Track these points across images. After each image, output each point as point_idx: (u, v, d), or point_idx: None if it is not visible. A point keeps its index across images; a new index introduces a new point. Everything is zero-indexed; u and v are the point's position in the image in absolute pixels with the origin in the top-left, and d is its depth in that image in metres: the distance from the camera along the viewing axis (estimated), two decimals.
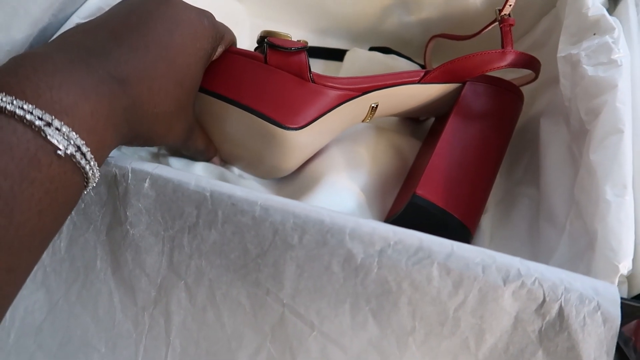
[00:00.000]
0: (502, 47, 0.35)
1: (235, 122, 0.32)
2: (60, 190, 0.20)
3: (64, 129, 0.19)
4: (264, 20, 0.51)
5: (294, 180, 0.36)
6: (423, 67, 0.48)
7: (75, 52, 0.23)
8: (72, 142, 0.20)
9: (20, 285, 0.20)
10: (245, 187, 0.25)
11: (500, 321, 0.22)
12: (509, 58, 0.35)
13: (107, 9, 0.28)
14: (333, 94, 0.32)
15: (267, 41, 0.32)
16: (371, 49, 0.50)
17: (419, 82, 0.35)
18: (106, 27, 0.25)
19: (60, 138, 0.19)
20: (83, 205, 0.26)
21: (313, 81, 0.32)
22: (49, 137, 0.19)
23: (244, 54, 0.32)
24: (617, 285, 0.23)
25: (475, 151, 0.34)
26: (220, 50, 0.31)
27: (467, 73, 0.36)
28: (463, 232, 0.32)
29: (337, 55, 0.50)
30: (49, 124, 0.19)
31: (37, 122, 0.19)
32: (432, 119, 0.42)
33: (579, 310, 0.21)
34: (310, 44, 0.36)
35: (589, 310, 0.21)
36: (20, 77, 0.20)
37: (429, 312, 0.23)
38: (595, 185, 0.27)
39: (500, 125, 0.35)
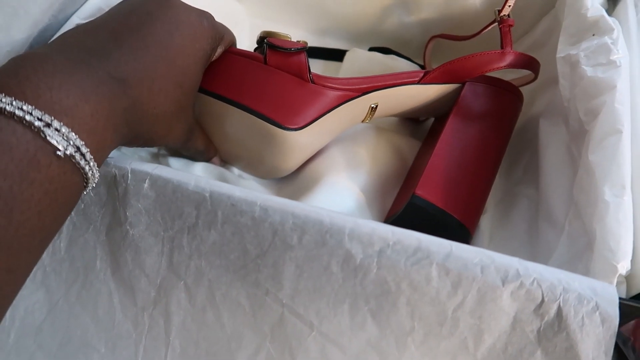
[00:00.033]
0: (502, 47, 0.35)
1: (235, 123, 0.32)
2: (60, 190, 0.20)
3: (64, 129, 0.19)
4: (263, 21, 0.51)
5: (294, 180, 0.37)
6: (423, 67, 0.48)
7: (75, 53, 0.23)
8: (71, 143, 0.20)
9: (20, 286, 0.20)
10: (244, 188, 0.25)
11: (499, 321, 0.22)
12: (509, 58, 0.35)
13: (107, 9, 0.28)
14: (333, 94, 0.32)
15: (266, 42, 0.32)
16: (371, 49, 0.50)
17: (418, 82, 0.35)
18: (106, 28, 0.25)
19: (59, 139, 0.19)
20: (83, 206, 0.26)
21: (313, 82, 0.32)
22: (48, 137, 0.19)
23: (244, 54, 0.32)
24: (616, 286, 0.23)
25: (475, 151, 0.34)
26: (219, 50, 0.31)
27: (466, 73, 0.36)
28: (462, 232, 0.32)
29: (336, 55, 0.50)
30: (48, 125, 0.19)
31: (37, 123, 0.19)
32: (432, 120, 0.42)
33: (578, 311, 0.21)
34: (310, 44, 0.36)
35: (587, 311, 0.21)
36: (20, 78, 0.20)
37: (427, 312, 0.23)
38: (594, 185, 0.27)
39: (500, 126, 0.35)
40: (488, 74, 0.35)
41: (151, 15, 0.26)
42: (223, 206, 0.25)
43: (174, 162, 0.34)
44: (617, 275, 0.24)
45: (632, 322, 0.24)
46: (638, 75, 0.32)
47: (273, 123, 0.31)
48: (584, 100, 0.31)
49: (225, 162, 0.37)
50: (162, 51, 0.25)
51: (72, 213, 0.26)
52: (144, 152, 0.35)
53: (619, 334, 0.23)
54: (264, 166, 0.35)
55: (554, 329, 0.22)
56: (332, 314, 0.24)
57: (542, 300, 0.22)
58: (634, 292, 0.24)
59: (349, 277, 0.24)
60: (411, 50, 0.50)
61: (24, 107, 0.19)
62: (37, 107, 0.19)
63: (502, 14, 0.36)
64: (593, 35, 0.33)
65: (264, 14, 0.51)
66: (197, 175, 0.27)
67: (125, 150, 0.34)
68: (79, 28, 0.25)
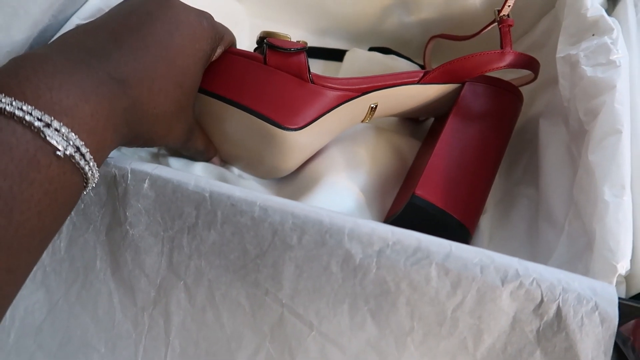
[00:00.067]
0: (501, 47, 0.35)
1: (234, 123, 0.32)
2: (60, 190, 0.20)
3: (63, 129, 0.20)
4: (263, 21, 0.51)
5: (294, 180, 0.37)
6: (422, 67, 0.48)
7: (75, 54, 0.23)
8: (71, 143, 0.20)
9: (20, 285, 0.20)
10: (244, 188, 0.25)
11: (498, 321, 0.22)
12: (508, 58, 0.35)
13: (107, 10, 0.28)
14: (332, 94, 0.32)
15: (266, 42, 0.32)
16: (371, 49, 0.50)
17: (418, 82, 0.35)
18: (106, 29, 0.25)
19: (59, 139, 0.19)
20: (83, 206, 0.26)
21: (312, 82, 0.32)
22: (48, 137, 0.19)
23: (244, 54, 0.32)
24: (615, 285, 0.23)
25: (475, 151, 0.34)
26: (219, 51, 0.31)
27: (466, 73, 0.36)
28: (462, 232, 0.32)
29: (336, 55, 0.50)
30: (48, 125, 0.19)
31: (37, 123, 0.19)
32: (432, 120, 0.42)
33: (577, 311, 0.21)
34: (310, 44, 0.36)
35: (586, 311, 0.21)
36: (21, 79, 0.20)
37: (427, 312, 0.23)
38: (593, 185, 0.27)
39: (500, 126, 0.36)
40: (488, 74, 0.35)
41: (151, 15, 0.26)
42: (223, 206, 0.25)
43: (174, 162, 0.34)
44: (617, 275, 0.24)
45: (632, 322, 0.24)
46: (638, 75, 0.32)
47: (273, 123, 0.31)
48: (584, 100, 0.31)
49: (225, 162, 0.37)
50: (162, 51, 0.26)
51: (72, 213, 0.26)
52: (143, 152, 0.35)
53: (619, 334, 0.23)
54: (263, 166, 0.35)
55: (554, 329, 0.22)
56: (331, 314, 0.24)
57: (542, 300, 0.22)
58: (633, 292, 0.24)
59: (349, 277, 0.24)
60: (411, 50, 0.50)
61: (24, 108, 0.19)
62: (37, 107, 0.19)
63: (501, 14, 0.36)
64: (593, 35, 0.33)
65: (263, 14, 0.51)
66: (197, 175, 0.27)
67: (125, 150, 0.34)
68: (79, 28, 0.25)
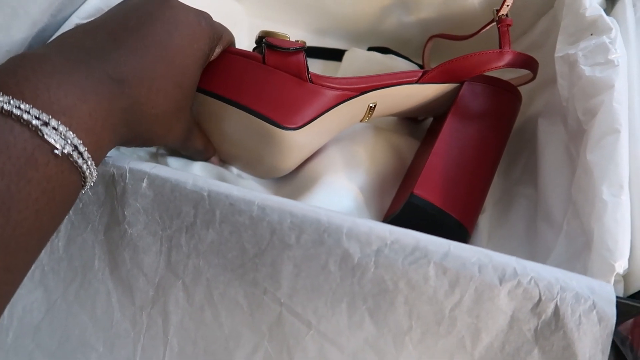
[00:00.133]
0: (500, 47, 0.35)
1: (233, 122, 0.32)
2: (58, 189, 0.20)
3: (61, 128, 0.20)
4: (262, 20, 0.51)
5: (293, 180, 0.37)
6: (421, 67, 0.48)
7: (74, 53, 0.23)
8: (69, 142, 0.20)
9: (18, 285, 0.20)
10: (243, 187, 0.25)
11: (496, 320, 0.22)
12: (507, 58, 0.35)
13: (106, 9, 0.28)
14: (331, 94, 0.33)
15: (265, 41, 0.32)
16: (370, 49, 0.50)
17: (417, 82, 0.35)
18: (105, 28, 0.25)
19: (57, 137, 0.19)
20: (81, 205, 0.26)
21: (311, 81, 0.32)
22: (45, 136, 0.19)
23: (243, 54, 0.32)
24: (613, 284, 0.23)
25: (473, 151, 0.34)
26: (218, 50, 0.31)
27: (465, 73, 0.36)
28: (461, 231, 0.32)
29: (335, 55, 0.50)
30: (46, 124, 0.19)
31: (34, 122, 0.19)
32: (430, 119, 0.42)
33: (575, 309, 0.21)
34: (309, 43, 0.36)
35: (584, 309, 0.21)
36: (19, 78, 0.20)
37: (425, 311, 0.23)
38: (592, 185, 0.27)
39: (498, 125, 0.36)
40: (486, 73, 0.35)
41: (150, 15, 0.26)
42: (221, 205, 0.25)
43: (173, 161, 0.34)
44: (615, 274, 0.24)
45: (630, 320, 0.24)
46: (636, 74, 0.32)
47: (271, 122, 0.31)
48: (582, 99, 0.31)
49: (223, 162, 0.37)
50: (161, 51, 0.26)
51: (70, 212, 0.26)
52: (142, 151, 0.35)
53: (617, 333, 0.23)
54: (262, 166, 0.35)
55: (551, 327, 0.22)
56: (330, 313, 0.24)
57: (540, 299, 0.22)
58: (631, 291, 0.24)
59: (347, 276, 0.24)
60: (410, 49, 0.50)
61: (22, 106, 0.19)
62: (35, 106, 0.19)
63: (500, 14, 0.36)
64: (591, 34, 0.33)
65: (263, 14, 0.51)
66: (196, 174, 0.27)
67: (123, 149, 0.34)
68: (78, 28, 0.25)
